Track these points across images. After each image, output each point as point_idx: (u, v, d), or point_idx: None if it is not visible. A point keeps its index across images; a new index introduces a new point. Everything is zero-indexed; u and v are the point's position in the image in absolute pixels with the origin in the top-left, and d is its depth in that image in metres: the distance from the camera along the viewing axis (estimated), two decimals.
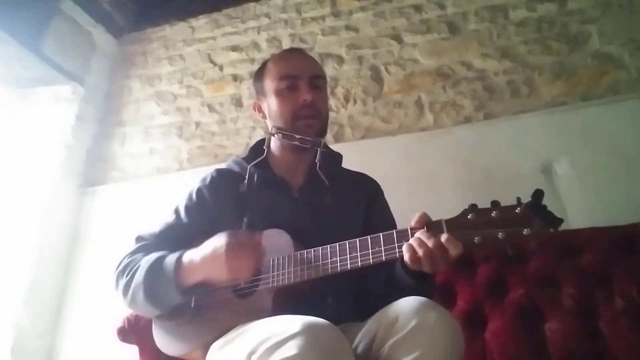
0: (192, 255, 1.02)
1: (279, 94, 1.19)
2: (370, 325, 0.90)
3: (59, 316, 2.19)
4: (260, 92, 1.28)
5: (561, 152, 1.79)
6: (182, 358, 1.09)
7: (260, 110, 1.28)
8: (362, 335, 0.90)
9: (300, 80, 1.19)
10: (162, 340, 1.11)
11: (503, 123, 1.94)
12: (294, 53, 1.35)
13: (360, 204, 1.22)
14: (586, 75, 1.92)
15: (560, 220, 0.78)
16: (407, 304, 0.85)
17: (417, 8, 2.29)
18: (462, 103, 2.04)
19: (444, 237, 0.83)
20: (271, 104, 1.21)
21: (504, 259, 1.48)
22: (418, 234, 0.86)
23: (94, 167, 2.52)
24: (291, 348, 0.74)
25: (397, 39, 2.27)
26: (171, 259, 1.04)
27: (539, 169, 1.75)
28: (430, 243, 0.83)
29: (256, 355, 0.77)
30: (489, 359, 1.35)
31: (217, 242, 0.99)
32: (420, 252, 0.84)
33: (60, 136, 2.44)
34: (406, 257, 0.86)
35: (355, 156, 1.35)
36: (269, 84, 1.23)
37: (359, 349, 0.88)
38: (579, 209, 1.68)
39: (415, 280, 0.94)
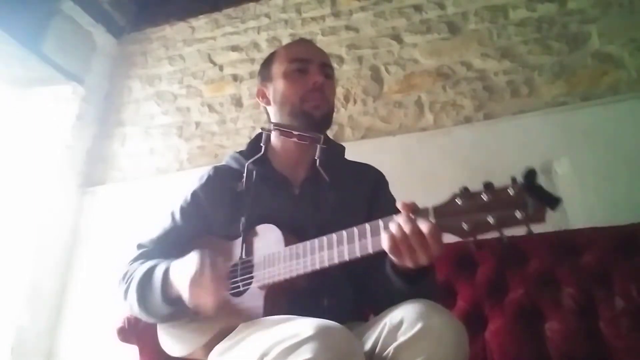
0: (176, 268, 1.02)
1: (287, 75, 1.16)
2: (374, 327, 0.89)
3: (59, 316, 2.19)
4: (266, 78, 1.24)
5: (561, 152, 1.79)
6: (186, 358, 1.09)
7: (264, 96, 1.24)
8: (367, 336, 0.89)
9: (311, 64, 1.16)
10: (166, 341, 1.12)
11: (503, 123, 1.93)
12: (306, 41, 1.34)
13: (363, 197, 1.18)
14: (586, 75, 1.92)
15: (558, 200, 0.70)
16: (412, 307, 0.84)
17: (417, 8, 2.29)
18: (462, 103, 2.04)
19: (423, 224, 0.77)
20: (278, 87, 1.18)
21: (503, 253, 1.48)
22: (396, 217, 0.81)
23: (94, 167, 2.52)
24: (306, 352, 0.73)
25: (397, 39, 2.27)
26: (159, 270, 1.04)
27: (539, 169, 1.74)
28: (407, 228, 0.78)
29: (269, 357, 0.76)
30: (489, 359, 1.35)
31: (190, 264, 0.98)
32: (398, 235, 0.79)
33: (60, 136, 2.44)
34: (385, 245, 0.81)
35: (355, 156, 1.35)
36: (278, 67, 1.19)
37: (363, 350, 0.88)
38: (579, 209, 1.68)
39: (404, 282, 0.91)
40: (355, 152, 1.36)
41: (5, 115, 2.53)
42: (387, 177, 1.30)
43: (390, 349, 0.81)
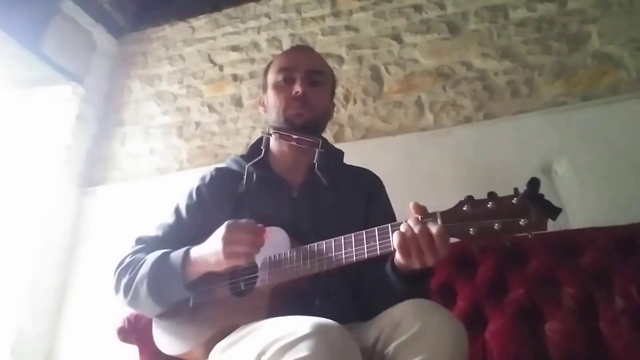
0: (199, 249, 1.03)
1: (275, 86, 1.24)
2: (374, 326, 0.90)
3: (59, 316, 2.19)
4: (264, 87, 1.32)
5: (561, 152, 1.79)
6: (182, 358, 1.09)
7: (262, 104, 1.32)
8: (367, 335, 0.90)
9: (297, 73, 1.22)
10: (162, 339, 1.11)
11: (503, 123, 1.93)
12: (297, 48, 1.41)
13: (360, 201, 1.21)
14: (586, 75, 1.92)
15: (558, 210, 0.75)
16: (411, 306, 0.85)
17: (417, 8, 2.29)
18: (462, 103, 2.04)
19: (432, 226, 0.81)
20: (269, 96, 1.26)
21: (503, 253, 1.48)
22: (408, 221, 0.85)
23: (94, 167, 2.52)
24: (302, 349, 0.73)
25: (397, 39, 2.27)
26: (178, 252, 1.04)
27: (539, 169, 1.75)
28: (417, 229, 0.82)
29: (266, 356, 0.77)
30: (489, 359, 1.35)
31: (219, 229, 1.00)
32: (408, 234, 0.83)
33: (60, 136, 2.44)
34: (395, 243, 0.85)
35: (355, 156, 1.35)
36: (270, 77, 1.28)
37: (359, 348, 0.88)
38: (579, 209, 1.68)
39: (404, 283, 0.93)
40: (355, 152, 1.36)
41: (5, 115, 2.53)
42: (387, 177, 1.31)
43: (390, 348, 0.82)
